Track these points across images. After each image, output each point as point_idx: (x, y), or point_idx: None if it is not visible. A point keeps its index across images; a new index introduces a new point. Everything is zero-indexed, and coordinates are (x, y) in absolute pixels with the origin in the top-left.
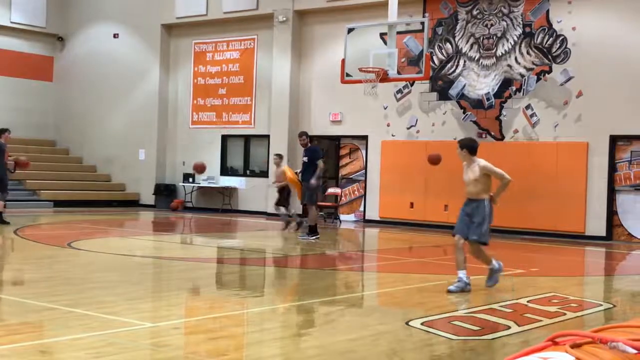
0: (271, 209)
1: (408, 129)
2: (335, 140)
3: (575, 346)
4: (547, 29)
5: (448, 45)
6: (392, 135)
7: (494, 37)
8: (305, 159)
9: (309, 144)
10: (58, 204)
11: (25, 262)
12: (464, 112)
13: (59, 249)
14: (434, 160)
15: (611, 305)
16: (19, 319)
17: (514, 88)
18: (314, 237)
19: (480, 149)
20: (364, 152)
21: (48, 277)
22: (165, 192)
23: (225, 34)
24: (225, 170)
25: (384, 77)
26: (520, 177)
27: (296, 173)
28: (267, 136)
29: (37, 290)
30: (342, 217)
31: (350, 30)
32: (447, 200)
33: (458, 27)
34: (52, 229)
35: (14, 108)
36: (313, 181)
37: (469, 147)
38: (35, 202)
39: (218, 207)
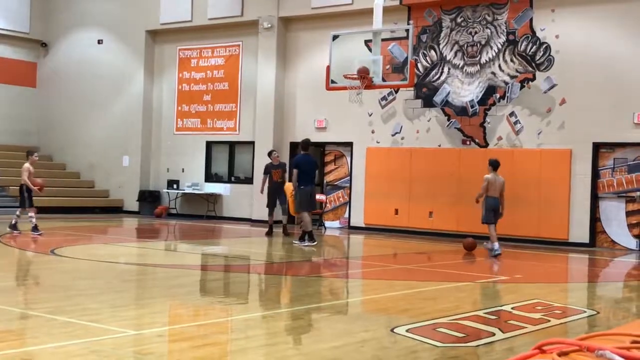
0: (257, 214)
1: (393, 135)
2: (320, 147)
3: (563, 354)
4: (530, 37)
5: (432, 52)
6: (377, 142)
7: (478, 45)
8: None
9: (301, 152)
10: (41, 210)
11: (8, 269)
12: (448, 119)
13: (42, 256)
14: (470, 247)
15: (595, 312)
16: (1, 326)
17: (497, 95)
18: (310, 244)
19: (465, 156)
20: (349, 158)
21: (31, 284)
22: (149, 199)
23: (210, 40)
24: (210, 177)
25: (368, 84)
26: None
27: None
28: (252, 143)
29: (20, 297)
30: (327, 223)
31: (335, 37)
32: (432, 206)
33: (442, 34)
34: (35, 235)
35: None
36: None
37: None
38: (18, 208)
39: (202, 214)
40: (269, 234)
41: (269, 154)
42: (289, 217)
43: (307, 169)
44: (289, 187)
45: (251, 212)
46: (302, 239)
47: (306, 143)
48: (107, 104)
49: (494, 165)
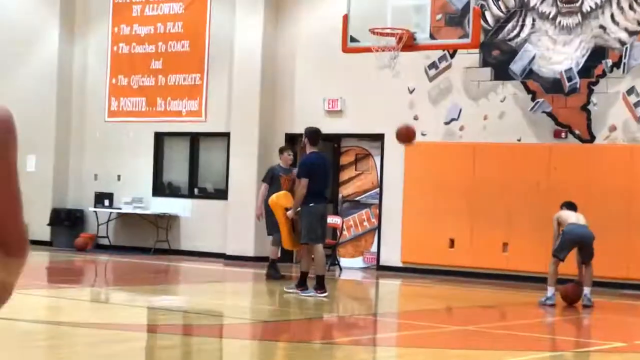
0: (235, 246)
1: (447, 124)
2: (333, 141)
3: None
4: None
5: None
6: (423, 135)
7: None
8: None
9: (306, 150)
10: None
11: None
12: (532, 99)
13: None
14: (405, 136)
15: None
16: None
17: (609, 62)
18: (319, 295)
19: (559, 155)
20: (377, 160)
21: None
22: (67, 222)
23: None
24: (161, 189)
25: (408, 44)
26: (619, 199)
27: None
28: (226, 135)
29: None
30: (344, 261)
31: None
32: (507, 235)
33: None
34: None
35: None
36: (290, 213)
37: None
38: None
39: (149, 246)
40: (273, 275)
41: (280, 152)
42: (282, 251)
43: (322, 177)
44: (276, 203)
45: (225, 243)
46: (301, 284)
47: (316, 133)
48: (2, 77)
49: (572, 207)
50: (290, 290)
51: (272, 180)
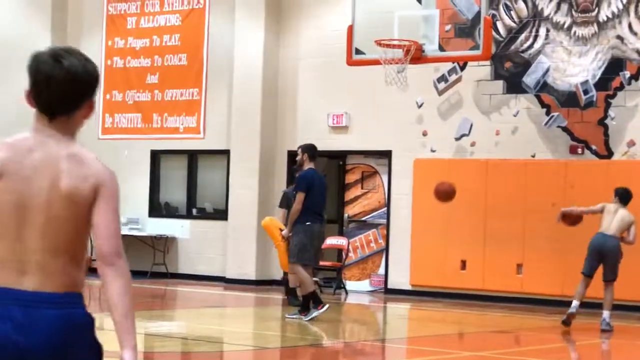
0: (235, 270)
1: (457, 139)
2: (338, 158)
3: None
4: None
5: (521, 3)
6: (432, 151)
7: None
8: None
9: (304, 166)
10: None
11: None
12: (547, 113)
13: None
14: (445, 194)
15: None
16: None
17: (627, 74)
18: (318, 312)
19: (575, 172)
20: (385, 178)
21: None
22: None
23: None
24: (157, 209)
25: (417, 56)
26: (639, 218)
27: None
28: (226, 152)
29: None
30: (350, 284)
31: None
32: (521, 256)
33: None
34: None
35: None
36: (285, 232)
37: None
38: None
39: (145, 269)
40: (294, 302)
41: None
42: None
43: (320, 195)
44: (270, 224)
45: (224, 266)
46: (304, 309)
47: (314, 148)
48: None
49: (622, 196)
50: (293, 317)
51: (287, 201)
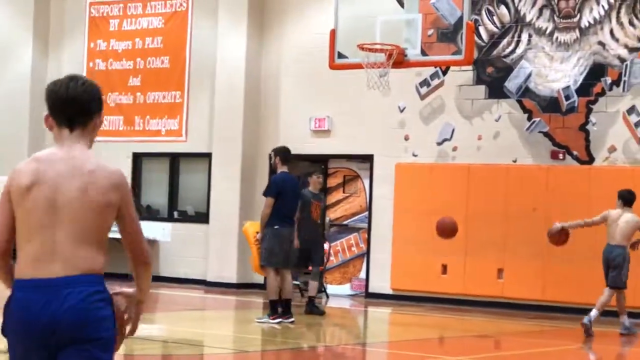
0: (216, 273)
1: (439, 144)
2: (320, 162)
3: None
4: None
5: (503, 9)
6: (414, 155)
7: None
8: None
9: (277, 169)
10: None
11: None
12: (529, 118)
13: None
14: (447, 230)
15: None
16: None
17: (609, 80)
18: (286, 320)
19: (556, 178)
20: (366, 182)
21: None
22: None
23: None
24: (139, 212)
25: (399, 60)
26: None
27: None
28: (208, 155)
29: None
30: (331, 288)
31: None
32: (502, 261)
33: None
34: None
35: None
36: (258, 235)
37: None
38: None
39: (125, 272)
40: (315, 311)
41: (309, 175)
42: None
43: (291, 199)
44: (248, 229)
45: (206, 269)
46: (274, 312)
47: (288, 152)
48: None
49: (625, 198)
50: (261, 320)
51: (302, 206)
